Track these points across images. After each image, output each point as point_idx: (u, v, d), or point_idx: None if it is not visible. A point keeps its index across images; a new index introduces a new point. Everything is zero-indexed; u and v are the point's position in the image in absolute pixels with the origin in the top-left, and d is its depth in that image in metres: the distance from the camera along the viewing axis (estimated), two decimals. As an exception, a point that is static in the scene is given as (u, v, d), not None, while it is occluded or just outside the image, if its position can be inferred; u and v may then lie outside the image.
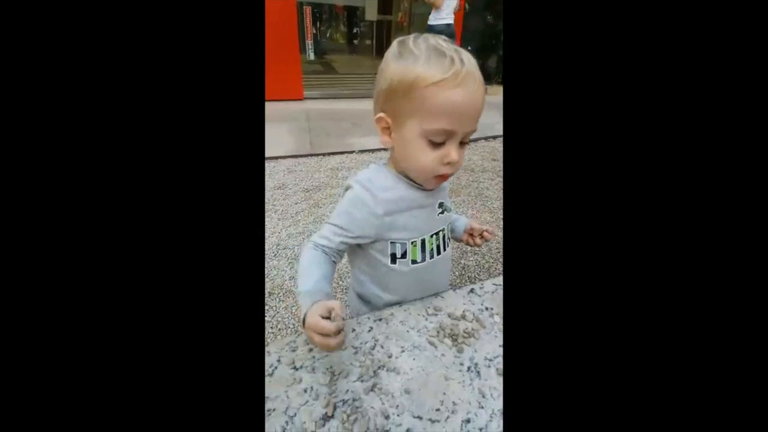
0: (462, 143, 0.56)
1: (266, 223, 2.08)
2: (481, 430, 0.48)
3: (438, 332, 0.62)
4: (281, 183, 2.58)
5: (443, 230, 0.69)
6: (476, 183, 2.73)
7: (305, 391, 0.51)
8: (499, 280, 0.76)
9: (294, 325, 1.44)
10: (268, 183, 2.54)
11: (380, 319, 0.64)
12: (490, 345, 0.60)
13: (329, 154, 3.11)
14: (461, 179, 2.75)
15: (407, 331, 0.62)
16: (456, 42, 0.57)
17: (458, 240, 0.79)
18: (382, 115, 0.57)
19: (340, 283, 1.66)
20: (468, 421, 0.48)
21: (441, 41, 0.53)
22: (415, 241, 0.64)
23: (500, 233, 2.10)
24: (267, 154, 2.86)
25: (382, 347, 0.58)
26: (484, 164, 3.07)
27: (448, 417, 0.49)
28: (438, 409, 0.49)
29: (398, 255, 0.64)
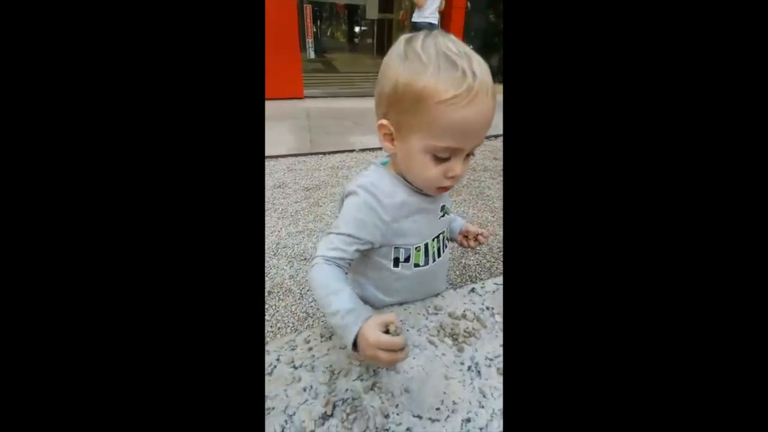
0: (467, 155, 0.54)
1: (266, 222, 2.08)
2: (481, 429, 0.47)
3: (438, 331, 0.62)
4: (281, 182, 2.58)
5: (443, 232, 0.68)
6: (477, 182, 2.73)
7: (305, 389, 0.51)
8: (500, 279, 0.76)
9: (293, 323, 1.44)
10: (268, 182, 2.54)
11: (380, 318, 0.64)
12: (491, 344, 0.60)
13: (329, 152, 3.11)
14: (462, 178, 2.74)
15: (407, 330, 0.62)
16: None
17: (452, 240, 0.78)
18: (384, 122, 0.53)
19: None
20: (468, 420, 0.48)
21: (450, 44, 0.48)
22: (419, 246, 0.63)
23: (501, 232, 2.10)
24: (267, 152, 2.85)
25: (382, 346, 0.58)
26: (485, 163, 3.07)
27: (448, 416, 0.49)
28: (438, 409, 0.49)
29: (401, 259, 0.63)
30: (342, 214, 0.58)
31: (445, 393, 0.51)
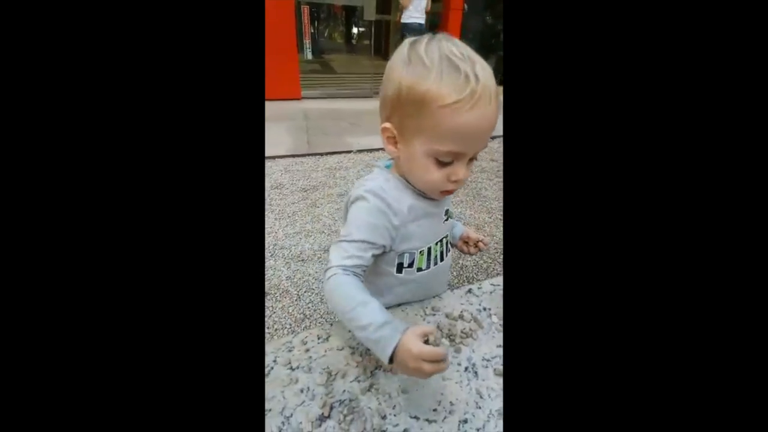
0: (470, 159, 0.54)
1: (263, 223, 2.07)
2: (478, 430, 0.47)
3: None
4: (278, 182, 2.57)
5: (446, 236, 0.68)
6: (474, 183, 2.73)
7: (302, 391, 0.51)
8: (497, 280, 0.76)
9: (291, 325, 1.44)
10: (266, 182, 2.54)
11: (377, 319, 0.64)
12: (488, 345, 0.60)
13: (327, 153, 3.11)
14: (459, 179, 2.75)
15: (405, 331, 0.62)
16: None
17: (452, 246, 0.78)
18: (388, 125, 0.53)
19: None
20: (465, 421, 0.48)
21: (454, 48, 0.48)
22: (423, 250, 0.63)
23: (498, 233, 2.11)
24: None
25: (379, 347, 0.58)
26: (482, 164, 3.08)
27: (445, 417, 0.49)
28: (435, 410, 0.49)
29: (405, 265, 0.62)
30: (351, 221, 0.56)
31: (442, 394, 0.51)
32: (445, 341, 0.59)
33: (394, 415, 0.48)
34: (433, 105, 0.47)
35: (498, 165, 3.02)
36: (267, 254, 1.82)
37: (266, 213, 2.18)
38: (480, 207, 2.40)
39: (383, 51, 7.16)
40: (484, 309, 0.67)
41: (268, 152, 2.95)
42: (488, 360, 0.57)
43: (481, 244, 0.75)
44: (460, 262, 1.86)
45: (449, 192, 0.57)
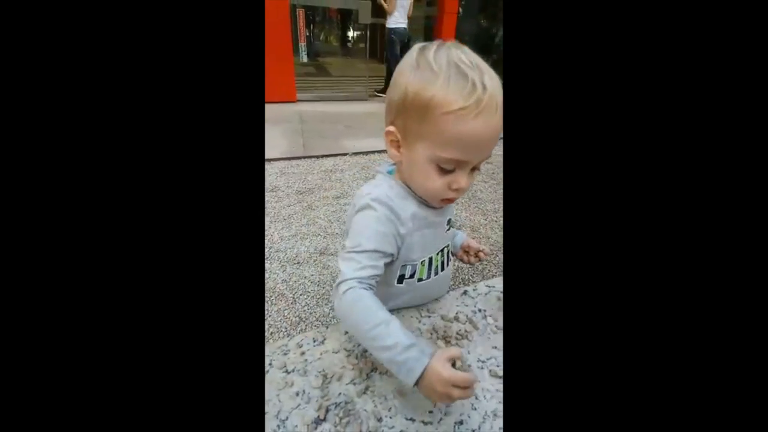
0: (473, 169, 0.53)
1: (259, 226, 2.06)
2: (474, 431, 0.48)
3: (431, 334, 0.62)
4: (274, 185, 2.56)
5: (448, 246, 0.68)
6: (470, 185, 2.74)
7: (297, 394, 0.51)
8: (493, 282, 0.77)
9: (286, 328, 1.43)
10: (261, 185, 2.53)
11: (373, 322, 0.64)
12: (483, 347, 0.60)
13: (323, 156, 3.10)
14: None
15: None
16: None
17: (453, 254, 0.78)
18: (392, 129, 0.53)
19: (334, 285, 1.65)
20: (461, 423, 0.48)
21: (462, 56, 0.48)
22: (424, 260, 0.62)
23: (493, 236, 2.12)
24: (260, 156, 2.83)
25: (375, 350, 0.58)
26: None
27: (441, 419, 0.49)
28: (431, 411, 0.49)
29: (407, 276, 0.62)
30: (359, 231, 0.55)
31: (437, 396, 0.51)
32: (471, 366, 0.57)
33: (390, 418, 0.48)
34: (437, 111, 0.46)
35: (493, 167, 3.03)
36: (262, 257, 1.81)
37: (261, 216, 2.17)
38: (475, 209, 2.41)
39: (379, 54, 7.19)
40: (480, 310, 0.68)
41: (263, 155, 2.94)
42: (483, 361, 0.57)
43: (481, 254, 0.73)
44: (456, 263, 1.86)
45: (450, 201, 0.57)
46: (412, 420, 0.48)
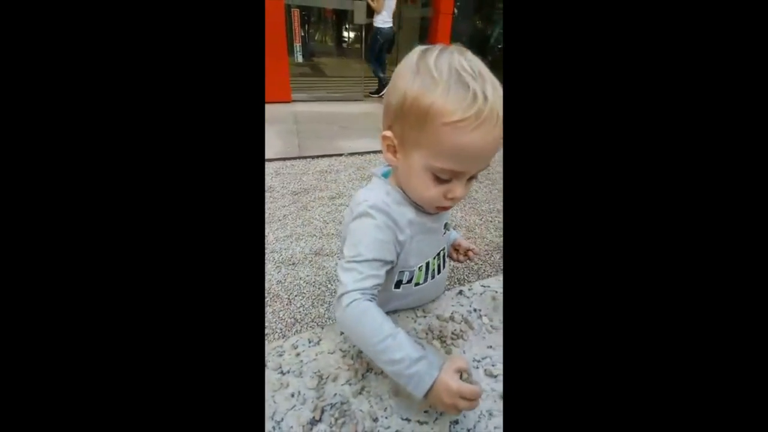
0: (470, 178, 0.52)
1: (254, 226, 2.05)
2: (469, 431, 0.48)
3: (427, 334, 0.62)
4: (268, 186, 2.55)
5: (444, 249, 0.68)
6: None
7: (292, 395, 0.50)
8: (488, 281, 0.77)
9: (281, 329, 1.42)
10: (256, 186, 2.52)
11: (369, 322, 0.64)
12: (479, 346, 0.60)
13: (318, 156, 3.10)
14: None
15: (396, 333, 0.62)
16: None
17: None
18: (388, 134, 0.52)
19: (329, 286, 1.65)
20: (456, 422, 0.49)
21: (465, 63, 0.46)
22: (422, 266, 0.62)
23: (488, 235, 2.12)
24: (254, 156, 2.82)
25: (370, 350, 0.58)
26: (472, 167, 3.09)
27: (436, 419, 0.49)
28: (426, 411, 0.49)
29: (404, 282, 0.61)
30: (358, 240, 0.53)
31: (433, 395, 0.51)
32: (475, 376, 0.56)
33: (386, 418, 0.48)
34: (436, 120, 0.45)
35: (489, 168, 3.04)
36: (257, 258, 1.80)
37: (256, 216, 2.16)
38: (471, 209, 2.42)
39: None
40: (475, 310, 0.68)
41: (258, 155, 2.93)
42: (478, 361, 0.58)
43: (470, 253, 0.73)
44: (451, 263, 1.86)
45: (445, 208, 0.56)
46: (408, 420, 0.48)
